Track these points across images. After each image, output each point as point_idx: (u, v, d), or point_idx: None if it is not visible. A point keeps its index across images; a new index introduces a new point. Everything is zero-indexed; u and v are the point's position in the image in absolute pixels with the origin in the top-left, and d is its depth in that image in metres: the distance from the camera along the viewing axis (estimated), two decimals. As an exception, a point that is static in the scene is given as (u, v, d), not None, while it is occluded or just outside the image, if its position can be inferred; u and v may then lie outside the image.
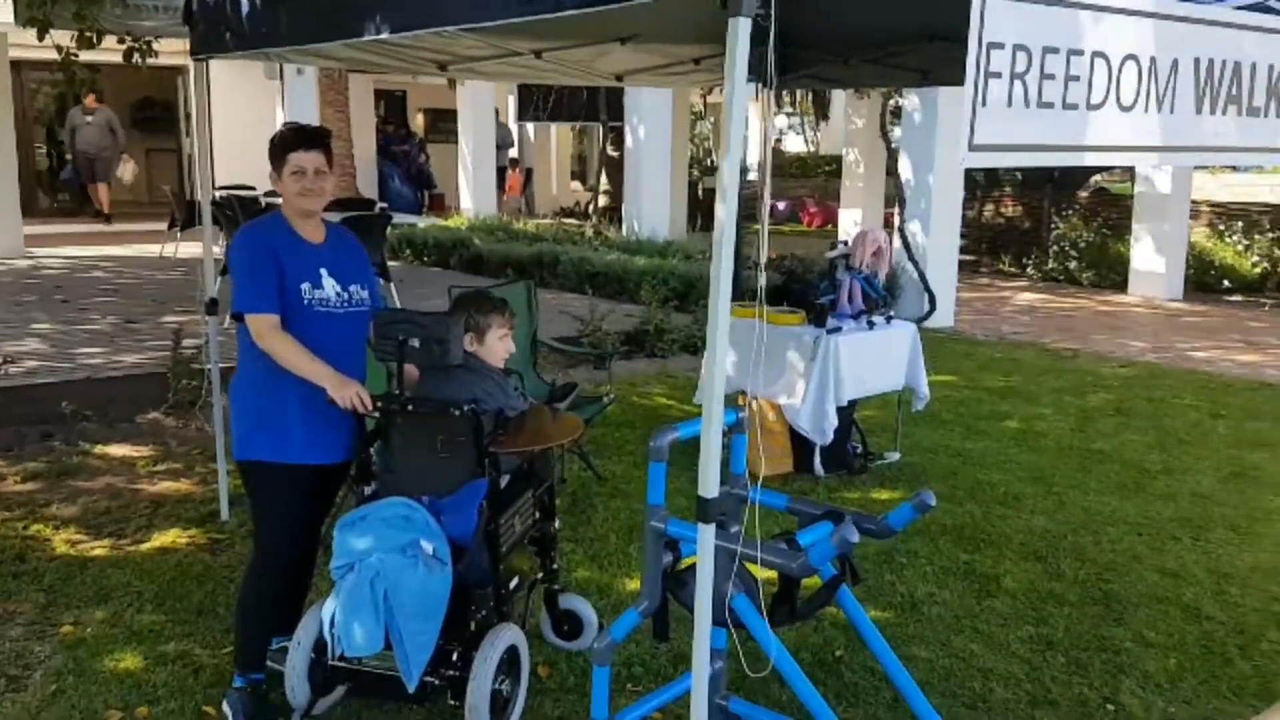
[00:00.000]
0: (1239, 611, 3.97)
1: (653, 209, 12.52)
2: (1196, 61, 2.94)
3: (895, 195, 10.43)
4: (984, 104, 2.46)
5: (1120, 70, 2.74)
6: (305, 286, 3.09)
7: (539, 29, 4.21)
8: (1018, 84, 2.50)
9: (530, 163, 22.64)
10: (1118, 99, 2.75)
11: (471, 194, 16.62)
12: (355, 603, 2.86)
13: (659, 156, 12.48)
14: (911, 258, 9.96)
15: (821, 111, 26.87)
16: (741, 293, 6.80)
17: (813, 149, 30.65)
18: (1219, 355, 8.96)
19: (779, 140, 33.10)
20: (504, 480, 3.27)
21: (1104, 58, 2.69)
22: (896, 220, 10.28)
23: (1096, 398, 7.36)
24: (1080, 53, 2.63)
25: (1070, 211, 13.87)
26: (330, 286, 3.14)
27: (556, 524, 3.62)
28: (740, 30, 2.03)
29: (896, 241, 10.24)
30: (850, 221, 13.16)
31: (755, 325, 5.65)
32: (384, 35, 3.12)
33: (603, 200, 19.66)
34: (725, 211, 2.19)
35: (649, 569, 2.64)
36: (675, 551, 2.67)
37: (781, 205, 21.33)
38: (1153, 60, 2.81)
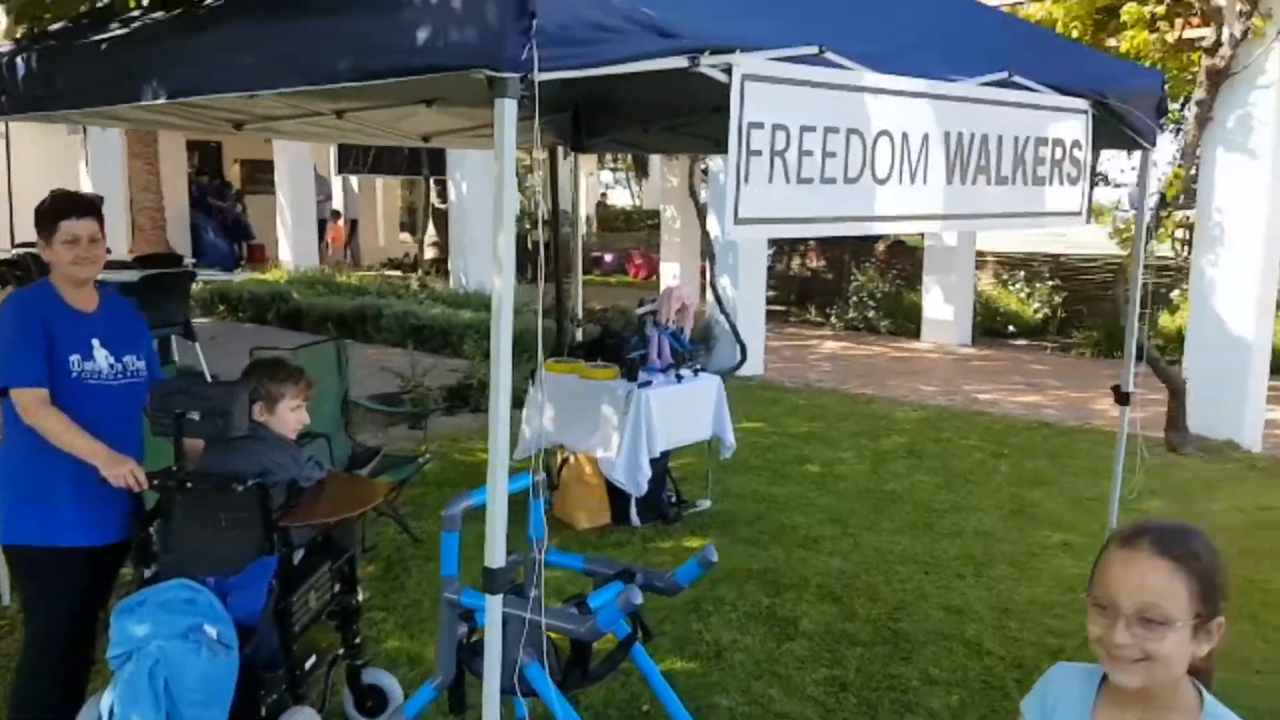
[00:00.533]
0: (1017, 646, 4.24)
1: (479, 262, 12.52)
2: (947, 135, 3.21)
3: (707, 250, 10.79)
4: (746, 180, 2.63)
5: (875, 146, 2.96)
6: (75, 358, 2.96)
7: (337, 91, 4.19)
8: (778, 161, 2.68)
9: (355, 214, 22.22)
10: (873, 173, 2.97)
11: (291, 246, 16.23)
12: (133, 693, 2.72)
13: (484, 209, 12.51)
14: (723, 310, 10.31)
15: (641, 168, 27.57)
16: (562, 347, 6.89)
17: (638, 203, 31.33)
18: (1003, 397, 9.64)
19: (604, 195, 33.71)
20: (298, 554, 3.18)
21: (859, 135, 2.91)
22: (708, 275, 10.62)
23: (891, 440, 7.78)
24: (836, 130, 2.83)
25: (868, 264, 14.72)
26: (102, 358, 3.01)
27: (360, 595, 3.53)
28: (507, 111, 2.10)
29: (710, 295, 10.59)
30: (670, 274, 13.53)
31: (571, 381, 5.76)
32: (161, 100, 3.05)
33: (431, 252, 19.47)
34: (502, 282, 2.23)
35: (443, 642, 2.63)
36: (471, 622, 2.67)
37: (609, 257, 21.68)
38: (905, 136, 3.05)
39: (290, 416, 3.29)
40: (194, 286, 10.18)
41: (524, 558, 2.71)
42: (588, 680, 2.76)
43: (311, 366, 5.27)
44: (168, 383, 3.22)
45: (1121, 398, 4.16)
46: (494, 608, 2.16)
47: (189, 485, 2.97)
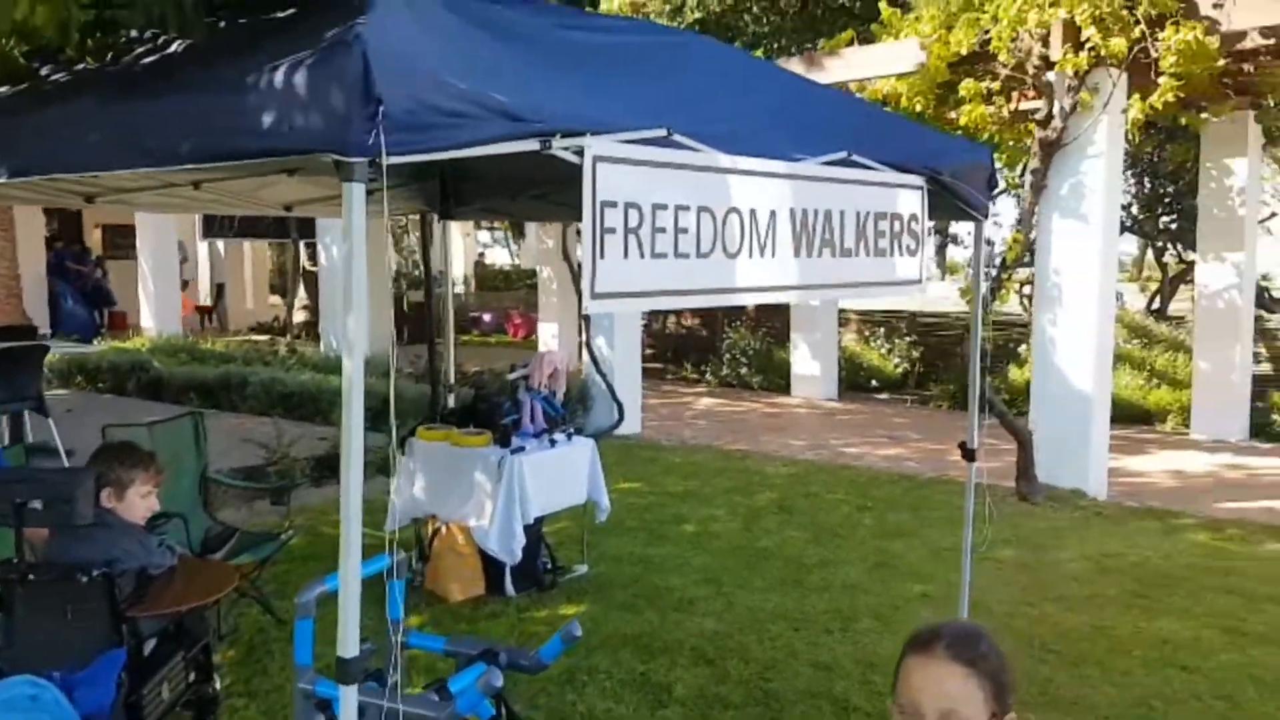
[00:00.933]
0: (881, 700, 4.33)
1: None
2: (793, 211, 3.36)
3: (584, 314, 10.90)
4: (602, 256, 2.70)
5: (725, 222, 3.08)
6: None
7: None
8: (632, 237, 2.77)
9: (222, 278, 21.62)
10: (725, 248, 3.09)
11: (153, 312, 15.72)
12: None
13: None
14: (600, 370, 10.39)
15: (518, 229, 27.71)
16: (435, 413, 6.84)
17: (516, 262, 31.40)
18: (867, 450, 9.97)
19: (482, 254, 33.68)
20: (149, 645, 3.07)
21: (709, 212, 3.02)
22: (584, 335, 10.73)
23: (763, 496, 7.94)
24: (687, 208, 2.94)
25: (740, 322, 15.11)
26: (-64, 447, 2.87)
27: (218, 683, 3.42)
28: (355, 195, 2.12)
29: (586, 355, 10.67)
30: (548, 334, 13.56)
31: (443, 448, 5.71)
32: (2, 179, 2.95)
33: (301, 315, 19.05)
34: (353, 364, 2.24)
35: (299, 732, 2.56)
36: (328, 711, 2.61)
37: (487, 316, 21.61)
38: (753, 212, 3.19)
39: (140, 503, 3.20)
40: (50, 357, 9.71)
41: (381, 644, 2.67)
42: (452, 764, 2.72)
43: (168, 442, 5.15)
44: (8, 471, 3.09)
45: (968, 454, 4.37)
46: (349, 699, 2.12)
47: (31, 577, 2.84)
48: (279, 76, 2.22)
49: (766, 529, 7.02)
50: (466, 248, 28.24)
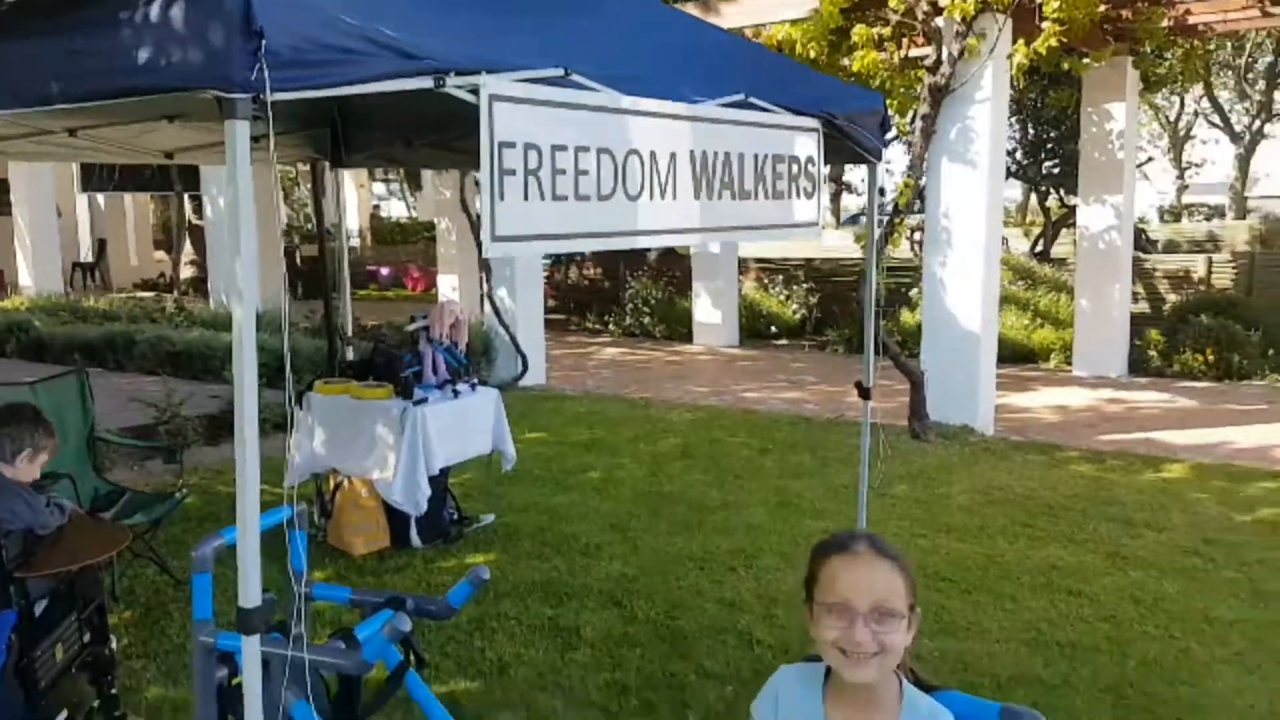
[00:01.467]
0: (785, 633, 4.47)
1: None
2: (693, 154, 3.37)
3: (483, 262, 10.76)
4: (502, 198, 2.67)
5: (625, 164, 3.07)
6: None
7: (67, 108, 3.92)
8: (531, 179, 2.74)
9: (103, 233, 20.66)
10: (625, 190, 3.08)
11: (31, 271, 15.00)
12: None
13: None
14: (502, 322, 10.31)
15: (415, 181, 27.16)
16: (332, 368, 6.70)
17: (414, 215, 30.81)
18: (767, 395, 10.16)
19: (378, 207, 32.90)
20: (39, 606, 2.97)
21: (609, 154, 3.01)
22: (485, 287, 10.61)
23: (666, 443, 8.04)
24: (587, 149, 2.92)
25: (642, 272, 15.15)
26: None
27: (114, 644, 3.33)
28: (238, 133, 2.04)
29: (488, 307, 10.57)
30: (448, 287, 13.38)
31: (342, 401, 5.61)
32: None
33: (189, 271, 18.39)
34: (244, 312, 2.17)
35: (200, 689, 2.51)
36: (231, 665, 2.57)
37: (385, 271, 21.18)
38: (653, 154, 3.18)
39: (27, 466, 3.08)
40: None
41: (285, 599, 2.63)
42: (360, 716, 2.71)
43: (52, 401, 4.95)
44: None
45: (863, 392, 4.48)
46: (251, 649, 2.09)
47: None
48: (154, 11, 2.11)
49: (670, 474, 7.11)
50: (361, 199, 27.57)
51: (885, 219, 8.47)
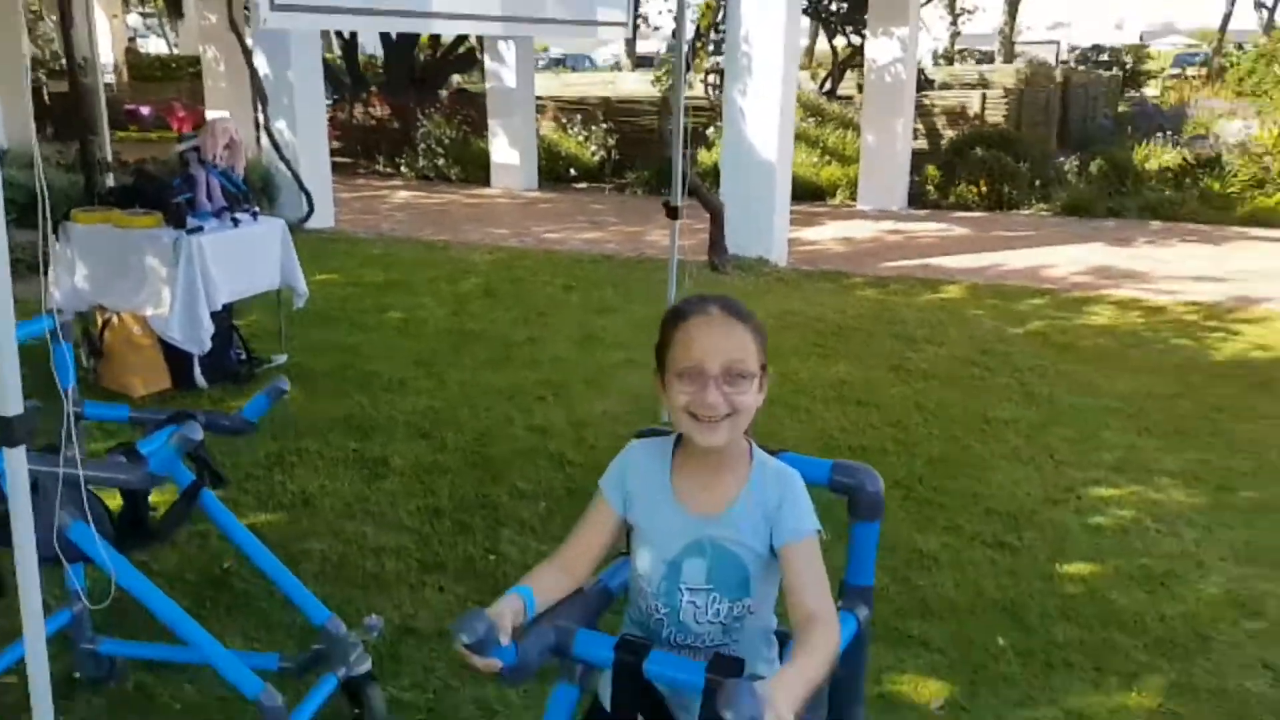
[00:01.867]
0: (594, 453, 4.46)
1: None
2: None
3: (259, 93, 9.90)
4: (280, -35, 2.36)
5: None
6: None
7: None
8: (314, -52, 2.44)
9: None
10: (421, -29, 2.81)
11: None
12: None
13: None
14: (283, 157, 9.60)
15: (175, 8, 24.63)
16: (92, 198, 6.03)
17: (176, 49, 28.09)
18: (569, 235, 10.03)
19: (133, 40, 29.66)
20: None
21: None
22: (262, 119, 9.81)
23: (468, 283, 7.82)
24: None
25: (434, 110, 14.43)
26: None
27: None
28: None
29: (266, 140, 9.80)
30: (217, 126, 12.32)
31: (105, 231, 5.07)
32: None
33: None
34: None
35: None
36: (-5, 491, 2.28)
37: (146, 110, 19.24)
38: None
39: None
40: None
41: (53, 420, 2.35)
42: (154, 538, 2.51)
43: None
44: None
45: (672, 212, 4.44)
46: (15, 463, 1.83)
47: None
48: None
49: (474, 313, 6.94)
50: (115, 30, 24.79)
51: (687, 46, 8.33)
